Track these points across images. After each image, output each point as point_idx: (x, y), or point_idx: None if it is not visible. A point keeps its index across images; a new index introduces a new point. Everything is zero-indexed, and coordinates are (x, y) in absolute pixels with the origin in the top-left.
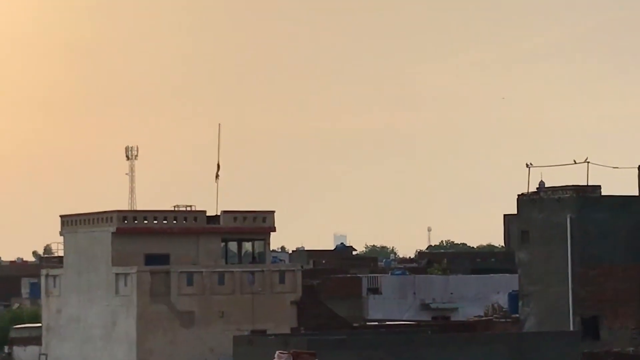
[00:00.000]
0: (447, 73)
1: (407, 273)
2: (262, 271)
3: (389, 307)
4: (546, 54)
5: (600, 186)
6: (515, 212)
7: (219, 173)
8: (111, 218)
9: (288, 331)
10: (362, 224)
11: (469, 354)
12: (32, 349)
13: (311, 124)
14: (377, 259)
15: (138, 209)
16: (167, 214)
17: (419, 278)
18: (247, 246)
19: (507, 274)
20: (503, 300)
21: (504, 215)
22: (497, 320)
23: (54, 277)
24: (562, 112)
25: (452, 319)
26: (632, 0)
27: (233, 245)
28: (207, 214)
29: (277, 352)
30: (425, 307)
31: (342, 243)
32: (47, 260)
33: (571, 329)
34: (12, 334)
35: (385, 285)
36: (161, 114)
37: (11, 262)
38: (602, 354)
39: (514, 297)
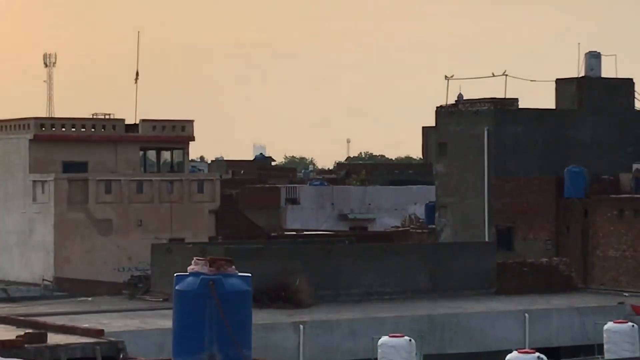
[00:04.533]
0: None
1: (326, 184)
2: (181, 180)
3: (307, 217)
4: None
5: (517, 99)
6: (434, 124)
7: (138, 79)
8: (28, 125)
9: (206, 240)
10: (281, 135)
11: (386, 264)
12: None
13: (231, 34)
14: (296, 170)
15: (56, 116)
16: (86, 121)
17: (337, 189)
18: (166, 155)
19: (424, 186)
20: (420, 211)
21: (422, 127)
22: (414, 230)
23: None
24: (481, 25)
25: (370, 229)
26: None
27: (152, 154)
28: (126, 123)
29: (194, 258)
30: (343, 217)
31: (261, 153)
32: None
33: (486, 239)
34: None
35: (303, 196)
36: (80, 20)
37: None
38: (516, 264)
39: (430, 208)
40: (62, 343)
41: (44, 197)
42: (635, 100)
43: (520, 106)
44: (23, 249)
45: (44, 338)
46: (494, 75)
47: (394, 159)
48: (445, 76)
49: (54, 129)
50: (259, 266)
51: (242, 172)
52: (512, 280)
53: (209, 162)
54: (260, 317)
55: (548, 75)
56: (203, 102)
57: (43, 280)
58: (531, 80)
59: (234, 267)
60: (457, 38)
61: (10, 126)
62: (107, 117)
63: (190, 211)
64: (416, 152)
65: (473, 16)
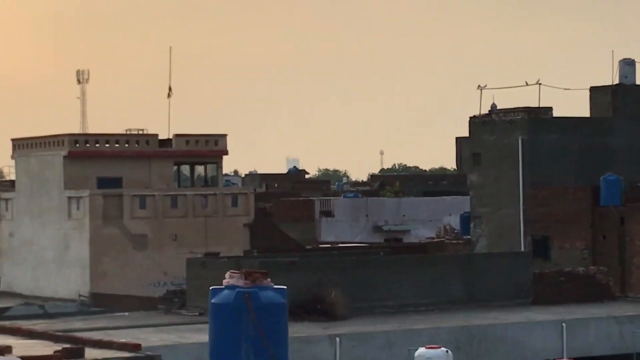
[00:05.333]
0: None
1: (360, 196)
2: (215, 194)
3: (341, 230)
4: None
5: (551, 108)
6: (467, 134)
7: (171, 94)
8: (63, 141)
9: (241, 253)
10: (314, 148)
11: (421, 275)
12: None
13: (263, 48)
14: (330, 182)
15: (90, 132)
16: (119, 137)
17: (372, 200)
18: (200, 169)
19: (459, 196)
20: (455, 222)
21: (456, 137)
22: (449, 241)
23: (6, 200)
24: (514, 34)
25: (404, 240)
26: None
27: (186, 169)
28: (160, 138)
29: (229, 271)
30: (377, 229)
31: (294, 167)
32: None
33: (522, 249)
34: None
35: (337, 208)
36: (112, 37)
37: None
38: (553, 273)
39: (465, 219)
40: (99, 358)
41: (79, 213)
42: None
43: (554, 115)
44: (59, 265)
45: (81, 353)
46: (527, 84)
47: (427, 170)
48: (479, 86)
49: (88, 145)
50: (294, 279)
51: (275, 185)
52: (548, 289)
53: (243, 175)
54: (295, 329)
55: (582, 84)
56: (236, 116)
57: (79, 296)
58: (565, 89)
59: (269, 279)
60: (490, 47)
61: (45, 143)
62: (140, 132)
63: (224, 225)
64: (450, 163)
65: (505, 25)
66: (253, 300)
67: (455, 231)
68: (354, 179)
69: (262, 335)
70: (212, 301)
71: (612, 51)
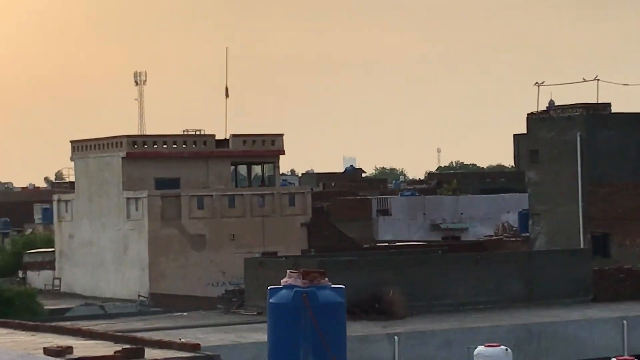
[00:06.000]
0: None
1: (417, 194)
2: (272, 194)
3: (398, 228)
4: None
5: (610, 104)
6: (525, 131)
7: (228, 94)
8: (121, 143)
9: (298, 253)
10: (371, 147)
11: (479, 274)
12: (46, 274)
13: (319, 48)
14: (387, 181)
15: (148, 133)
16: (177, 138)
17: (429, 199)
18: (257, 169)
19: (517, 194)
20: (513, 220)
21: (514, 134)
22: (507, 239)
23: (66, 202)
24: (572, 30)
25: (462, 238)
26: None
27: (243, 169)
28: (217, 138)
29: (287, 271)
30: (435, 227)
31: (351, 165)
32: (58, 185)
33: (581, 246)
34: (26, 259)
35: (395, 207)
36: (169, 39)
37: (23, 188)
38: (613, 271)
39: (524, 216)
40: (159, 358)
41: (137, 214)
42: None
43: (613, 111)
44: (118, 265)
45: (141, 353)
46: (585, 81)
47: (485, 167)
48: (536, 82)
49: (145, 146)
50: (352, 278)
51: (332, 184)
52: (608, 287)
53: (300, 175)
54: (354, 328)
55: None
56: (293, 116)
57: (139, 296)
58: (623, 85)
59: (327, 279)
60: (547, 44)
61: (104, 144)
62: (198, 133)
63: (282, 224)
64: (508, 160)
65: (563, 21)
66: (311, 299)
67: (514, 229)
68: (411, 177)
69: (321, 334)
70: (270, 301)
71: None
